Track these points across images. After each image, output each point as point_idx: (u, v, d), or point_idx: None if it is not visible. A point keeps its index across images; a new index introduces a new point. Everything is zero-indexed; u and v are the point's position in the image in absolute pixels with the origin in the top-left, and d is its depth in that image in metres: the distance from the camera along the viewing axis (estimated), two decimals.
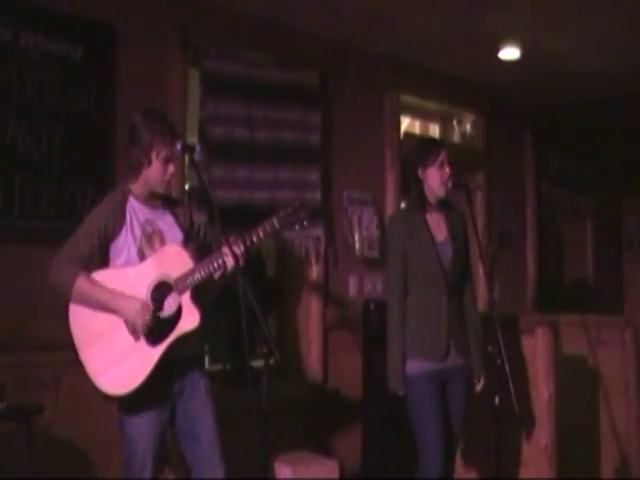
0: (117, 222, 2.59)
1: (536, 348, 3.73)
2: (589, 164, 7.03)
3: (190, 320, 2.54)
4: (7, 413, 2.83)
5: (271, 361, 2.53)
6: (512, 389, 2.86)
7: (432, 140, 4.14)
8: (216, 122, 4.00)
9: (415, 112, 5.46)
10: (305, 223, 2.71)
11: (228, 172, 4.03)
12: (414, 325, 3.07)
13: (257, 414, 2.58)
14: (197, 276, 2.55)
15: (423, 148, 3.22)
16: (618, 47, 4.77)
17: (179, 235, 2.71)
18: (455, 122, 5.72)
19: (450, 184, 3.13)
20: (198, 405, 2.68)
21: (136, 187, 2.66)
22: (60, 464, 3.22)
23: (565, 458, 3.72)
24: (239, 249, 2.57)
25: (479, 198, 5.66)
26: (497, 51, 4.88)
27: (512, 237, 6.03)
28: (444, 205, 3.20)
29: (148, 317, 2.51)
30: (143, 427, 2.57)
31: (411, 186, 3.20)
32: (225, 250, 2.56)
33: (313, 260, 4.47)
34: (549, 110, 6.12)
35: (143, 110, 2.71)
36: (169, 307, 2.56)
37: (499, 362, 2.92)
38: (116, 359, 2.51)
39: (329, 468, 3.93)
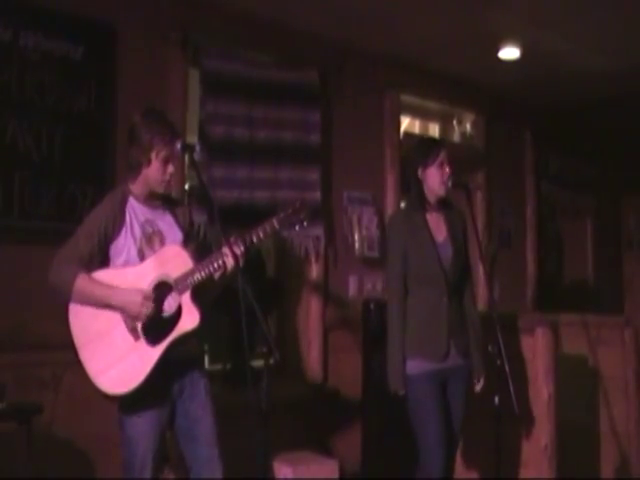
0: (117, 222, 2.59)
1: (536, 348, 3.73)
2: (589, 164, 7.02)
3: (190, 320, 2.54)
4: (7, 413, 2.83)
5: (271, 361, 2.52)
6: (512, 389, 2.86)
7: (432, 140, 4.14)
8: (216, 122, 4.00)
9: (415, 112, 5.45)
10: (305, 224, 2.72)
11: (228, 172, 4.02)
12: (414, 325, 3.07)
13: (257, 414, 2.57)
14: (197, 276, 2.55)
15: (423, 148, 3.22)
16: (618, 47, 4.77)
17: (179, 235, 2.71)
18: (455, 122, 5.71)
19: (450, 184, 3.12)
20: (198, 405, 2.68)
21: (136, 187, 2.66)
22: (60, 464, 3.22)
23: (565, 458, 3.72)
24: (239, 249, 2.57)
25: (479, 198, 5.65)
26: (497, 51, 4.87)
27: (512, 237, 6.02)
28: (444, 205, 3.20)
29: (152, 305, 2.52)
30: (143, 427, 2.57)
31: (411, 186, 3.20)
32: (225, 250, 2.56)
33: (313, 260, 4.47)
34: (549, 110, 6.12)
35: (143, 110, 2.71)
36: (169, 307, 2.56)
37: (499, 362, 2.92)
38: (116, 359, 2.51)
39: (329, 468, 3.92)
